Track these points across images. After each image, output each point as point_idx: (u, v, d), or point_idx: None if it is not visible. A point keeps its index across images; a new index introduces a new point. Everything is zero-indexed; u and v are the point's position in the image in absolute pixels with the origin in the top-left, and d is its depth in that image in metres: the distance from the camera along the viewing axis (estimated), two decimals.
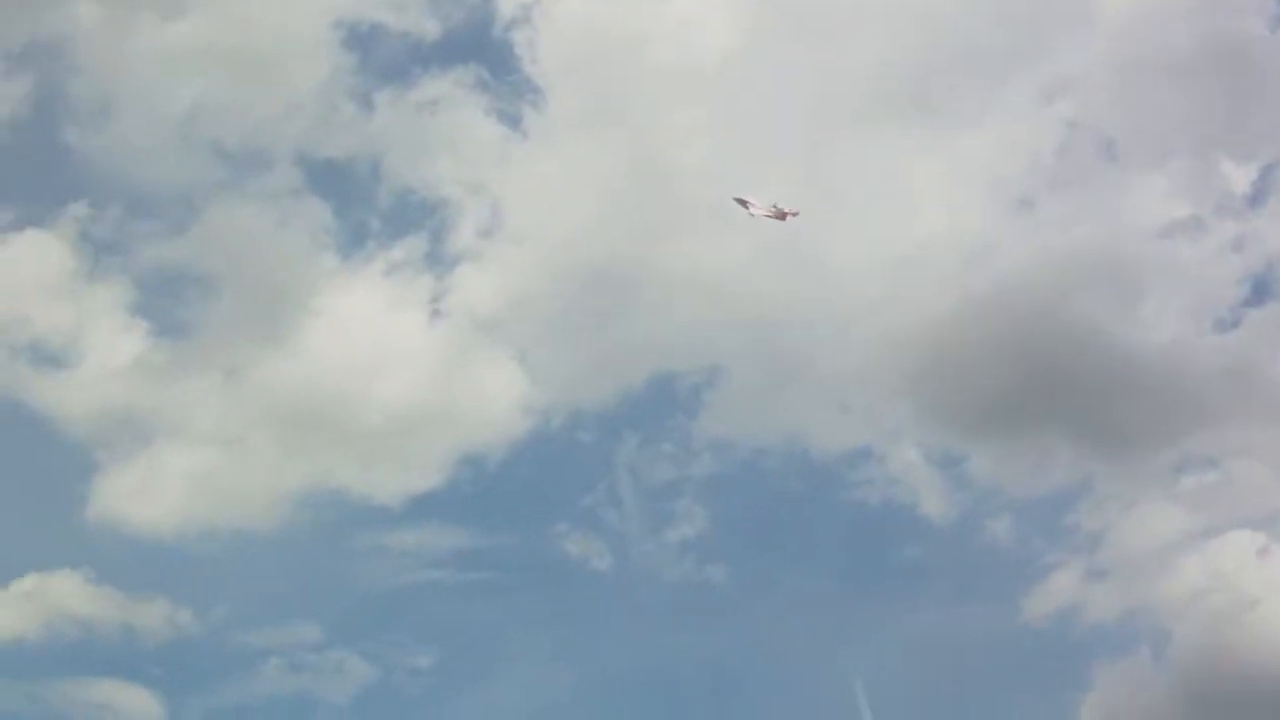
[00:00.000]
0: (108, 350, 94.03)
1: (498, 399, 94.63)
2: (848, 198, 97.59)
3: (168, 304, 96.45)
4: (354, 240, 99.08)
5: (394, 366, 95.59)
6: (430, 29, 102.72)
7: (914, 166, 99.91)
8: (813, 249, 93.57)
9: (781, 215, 77.42)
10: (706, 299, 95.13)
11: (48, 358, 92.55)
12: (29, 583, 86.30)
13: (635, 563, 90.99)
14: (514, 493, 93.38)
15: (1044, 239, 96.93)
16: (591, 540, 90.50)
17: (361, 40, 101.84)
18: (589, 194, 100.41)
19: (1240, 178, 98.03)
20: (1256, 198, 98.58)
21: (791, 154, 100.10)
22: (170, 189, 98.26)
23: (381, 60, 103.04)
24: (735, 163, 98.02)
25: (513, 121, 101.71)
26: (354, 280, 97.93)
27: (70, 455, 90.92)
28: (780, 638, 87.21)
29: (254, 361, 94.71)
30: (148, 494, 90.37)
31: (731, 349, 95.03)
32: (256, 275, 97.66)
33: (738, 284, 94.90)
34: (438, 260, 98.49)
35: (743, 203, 77.99)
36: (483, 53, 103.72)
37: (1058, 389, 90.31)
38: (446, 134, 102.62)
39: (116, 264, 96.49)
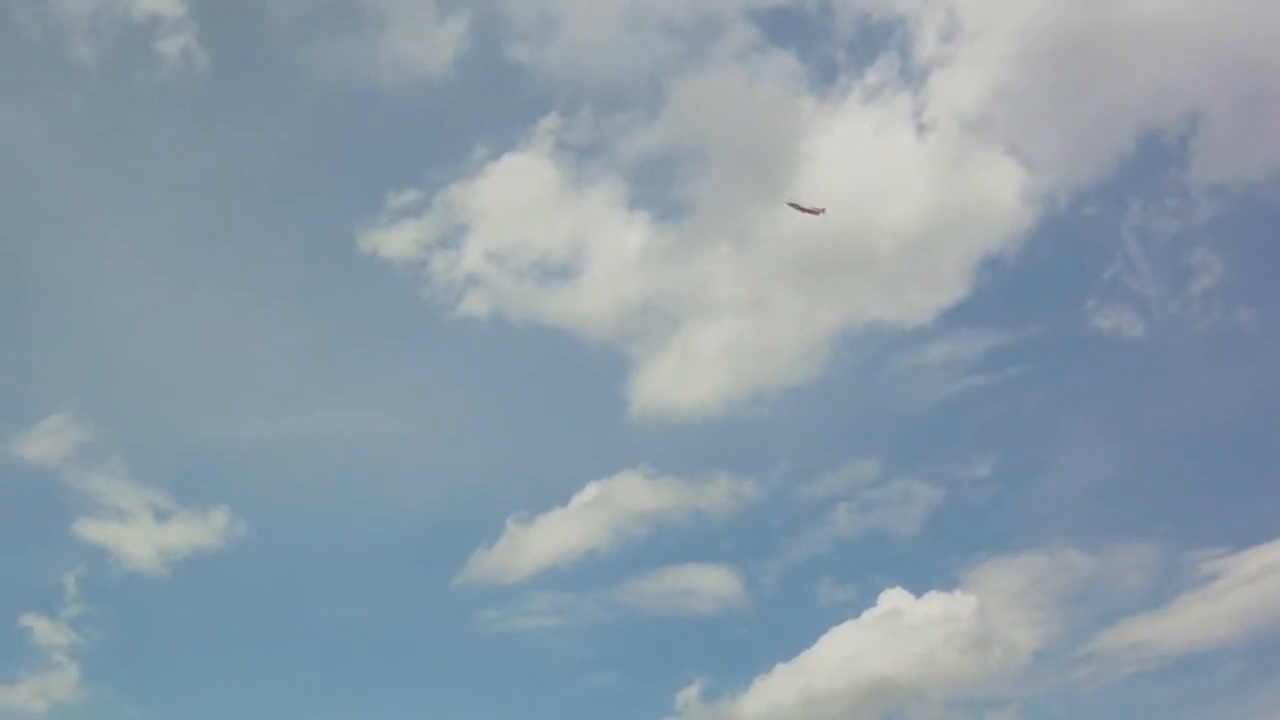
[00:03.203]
0: (613, 249, 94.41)
1: (1001, 195, 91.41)
2: None
3: (660, 189, 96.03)
4: (825, 78, 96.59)
5: (895, 189, 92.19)
6: None
7: None
8: None
9: (816, 212, 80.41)
10: (1169, 47, 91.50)
11: (555, 272, 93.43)
12: (590, 493, 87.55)
13: (1166, 323, 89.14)
14: (1037, 282, 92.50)
15: None
16: (1120, 311, 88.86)
17: None
18: None
19: None
20: None
21: None
22: (633, 78, 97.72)
23: None
24: None
25: None
26: (835, 116, 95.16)
27: (600, 360, 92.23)
28: None
29: (759, 221, 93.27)
30: (686, 377, 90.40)
31: (1204, 91, 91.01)
32: (739, 137, 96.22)
33: (1191, 24, 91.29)
34: (910, 75, 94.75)
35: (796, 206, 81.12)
36: None
37: None
38: None
39: (600, 165, 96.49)
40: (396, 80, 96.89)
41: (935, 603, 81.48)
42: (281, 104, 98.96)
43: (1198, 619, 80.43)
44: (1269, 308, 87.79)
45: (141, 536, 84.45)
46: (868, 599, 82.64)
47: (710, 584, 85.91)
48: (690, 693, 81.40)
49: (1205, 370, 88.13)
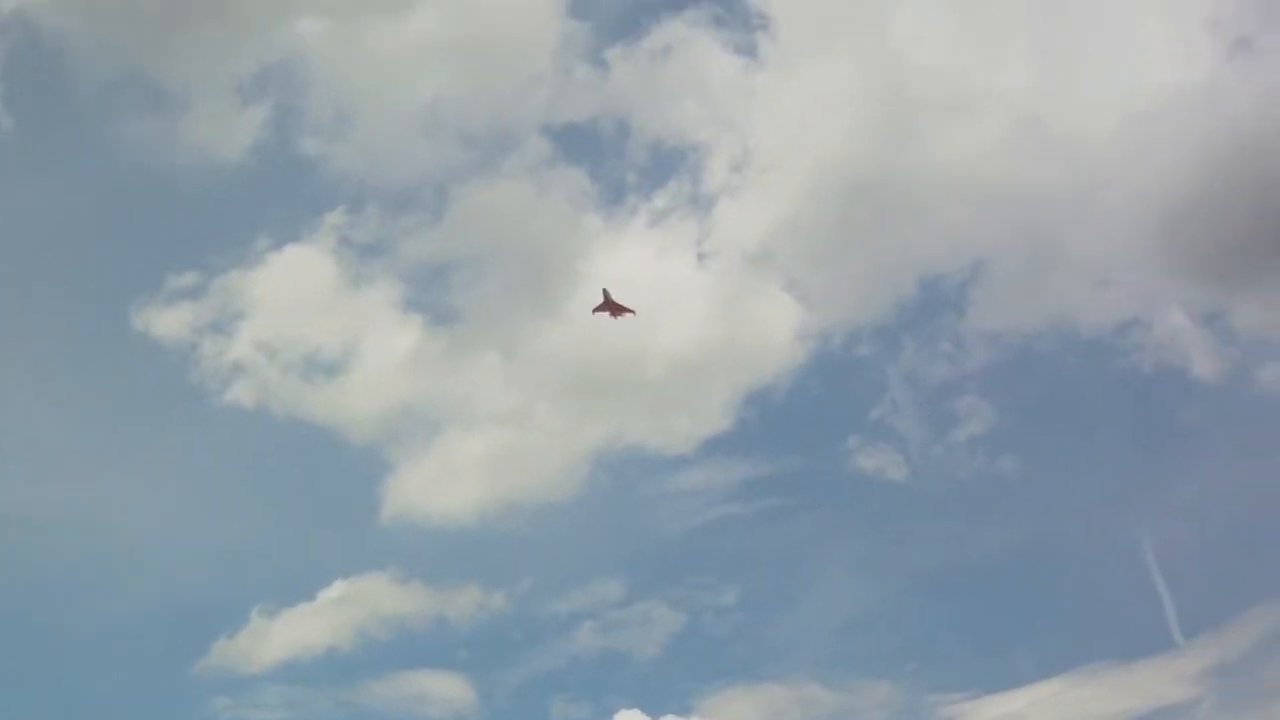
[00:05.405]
0: (383, 350, 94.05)
1: (775, 330, 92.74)
2: (1080, 65, 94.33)
3: (437, 294, 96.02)
4: (613, 198, 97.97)
5: (670, 315, 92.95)
6: None
7: (1136, 21, 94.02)
8: (1054, 125, 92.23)
9: (618, 314, 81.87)
10: (961, 195, 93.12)
11: (323, 368, 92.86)
12: (337, 591, 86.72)
13: (928, 467, 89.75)
14: (802, 418, 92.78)
15: (1267, 76, 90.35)
16: (883, 451, 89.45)
17: (586, 4, 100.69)
18: (833, 110, 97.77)
19: None
20: None
21: (1020, 34, 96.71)
22: (421, 182, 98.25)
23: (609, 18, 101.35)
24: (968, 53, 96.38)
25: (749, 52, 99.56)
26: (619, 236, 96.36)
27: (359, 460, 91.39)
28: (1072, 516, 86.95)
29: (530, 334, 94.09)
30: (443, 484, 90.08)
31: (989, 241, 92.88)
32: (520, 250, 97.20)
33: (988, 174, 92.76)
34: (698, 202, 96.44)
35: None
36: None
37: None
38: (684, 77, 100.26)
39: (380, 265, 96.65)
40: (192, 162, 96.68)
41: None
42: (77, 173, 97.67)
43: None
44: (1033, 458, 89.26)
45: None
46: (602, 718, 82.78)
47: (445, 691, 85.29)
48: None
49: (963, 516, 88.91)
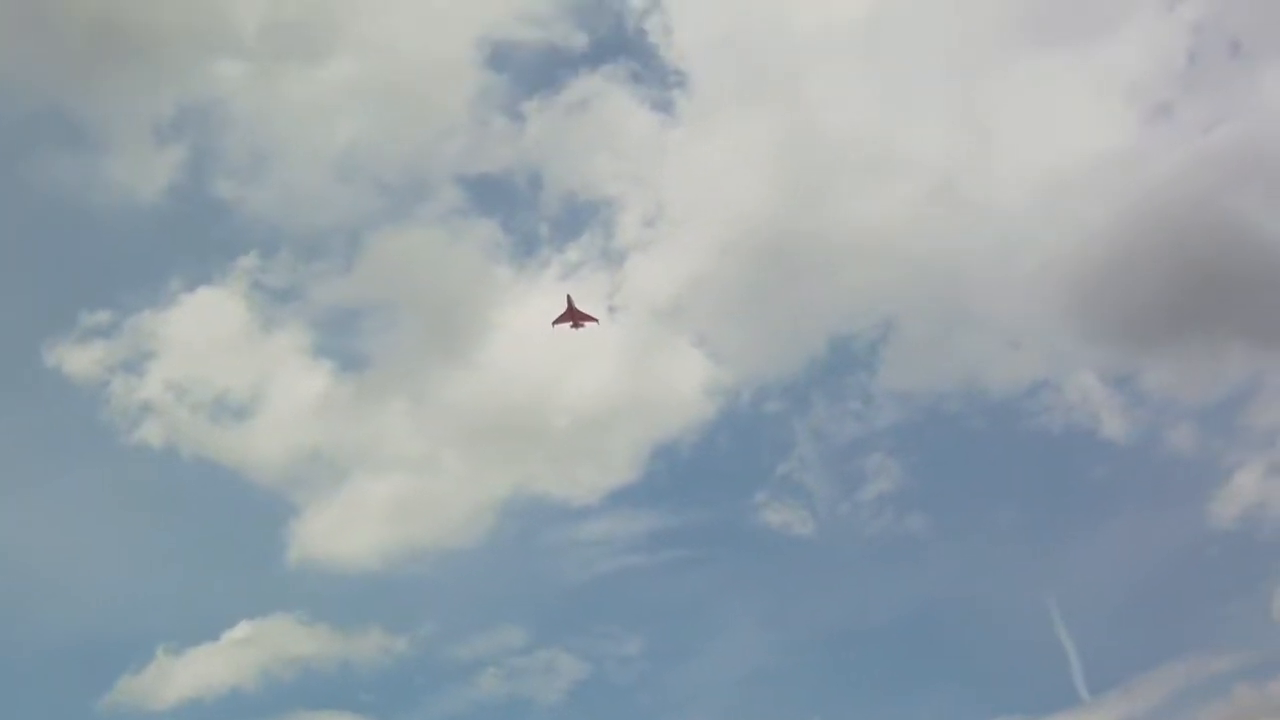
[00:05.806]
0: (291, 394, 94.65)
1: (684, 385, 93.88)
2: (997, 130, 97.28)
3: (346, 339, 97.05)
4: (526, 250, 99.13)
5: (578, 367, 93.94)
6: (567, 33, 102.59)
7: (1055, 87, 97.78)
8: (969, 189, 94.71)
9: (579, 324, 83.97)
10: (873, 255, 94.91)
11: (232, 410, 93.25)
12: (241, 631, 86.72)
13: (835, 523, 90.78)
14: (709, 472, 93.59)
15: (1186, 142, 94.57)
16: (791, 507, 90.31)
17: (504, 56, 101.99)
18: (747, 168, 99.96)
19: None
20: None
21: (937, 98, 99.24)
22: (335, 228, 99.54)
23: (526, 71, 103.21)
24: (884, 116, 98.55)
25: (665, 108, 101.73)
26: (530, 288, 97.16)
27: (266, 502, 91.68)
28: (980, 573, 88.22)
29: (439, 382, 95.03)
30: (349, 528, 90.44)
31: (901, 301, 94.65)
32: (431, 298, 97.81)
33: (901, 236, 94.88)
34: (610, 256, 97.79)
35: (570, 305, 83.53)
36: (623, 47, 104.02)
37: (1219, 289, 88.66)
38: (600, 131, 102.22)
39: (291, 310, 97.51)
40: (109, 201, 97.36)
41: None
42: None
43: None
44: (941, 516, 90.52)
45: None
46: None
47: None
48: None
49: (869, 572, 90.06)
